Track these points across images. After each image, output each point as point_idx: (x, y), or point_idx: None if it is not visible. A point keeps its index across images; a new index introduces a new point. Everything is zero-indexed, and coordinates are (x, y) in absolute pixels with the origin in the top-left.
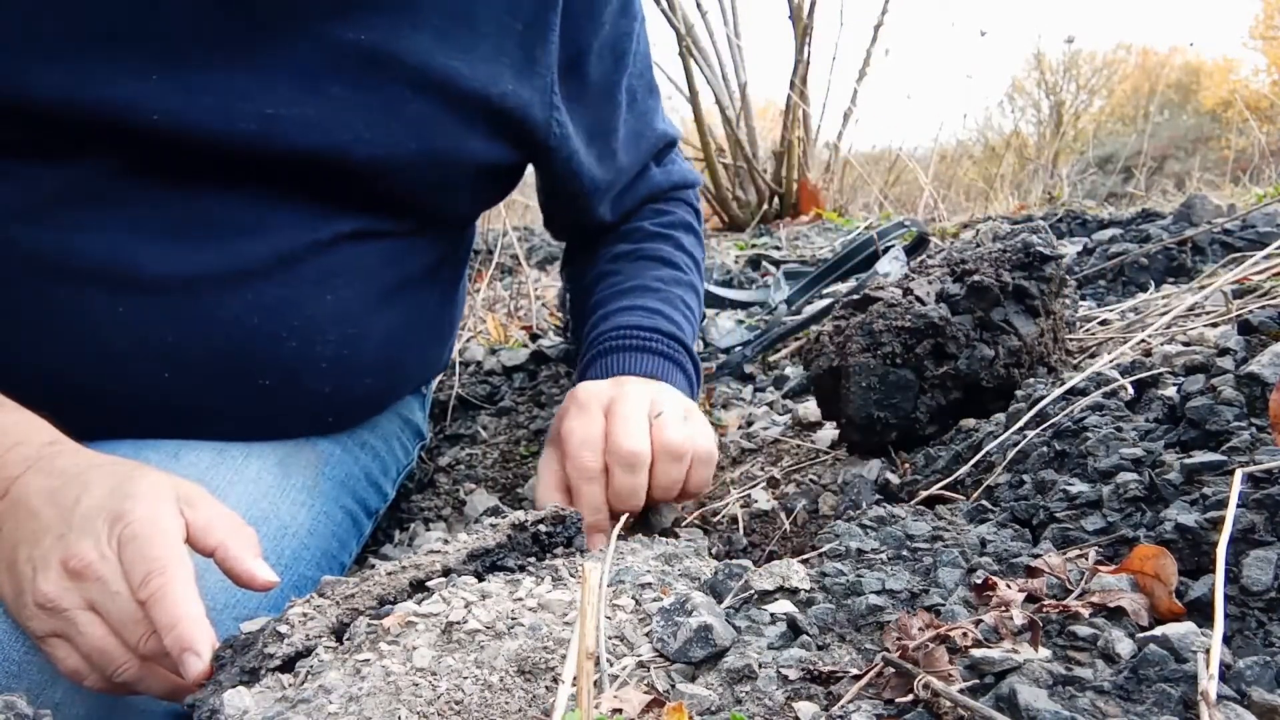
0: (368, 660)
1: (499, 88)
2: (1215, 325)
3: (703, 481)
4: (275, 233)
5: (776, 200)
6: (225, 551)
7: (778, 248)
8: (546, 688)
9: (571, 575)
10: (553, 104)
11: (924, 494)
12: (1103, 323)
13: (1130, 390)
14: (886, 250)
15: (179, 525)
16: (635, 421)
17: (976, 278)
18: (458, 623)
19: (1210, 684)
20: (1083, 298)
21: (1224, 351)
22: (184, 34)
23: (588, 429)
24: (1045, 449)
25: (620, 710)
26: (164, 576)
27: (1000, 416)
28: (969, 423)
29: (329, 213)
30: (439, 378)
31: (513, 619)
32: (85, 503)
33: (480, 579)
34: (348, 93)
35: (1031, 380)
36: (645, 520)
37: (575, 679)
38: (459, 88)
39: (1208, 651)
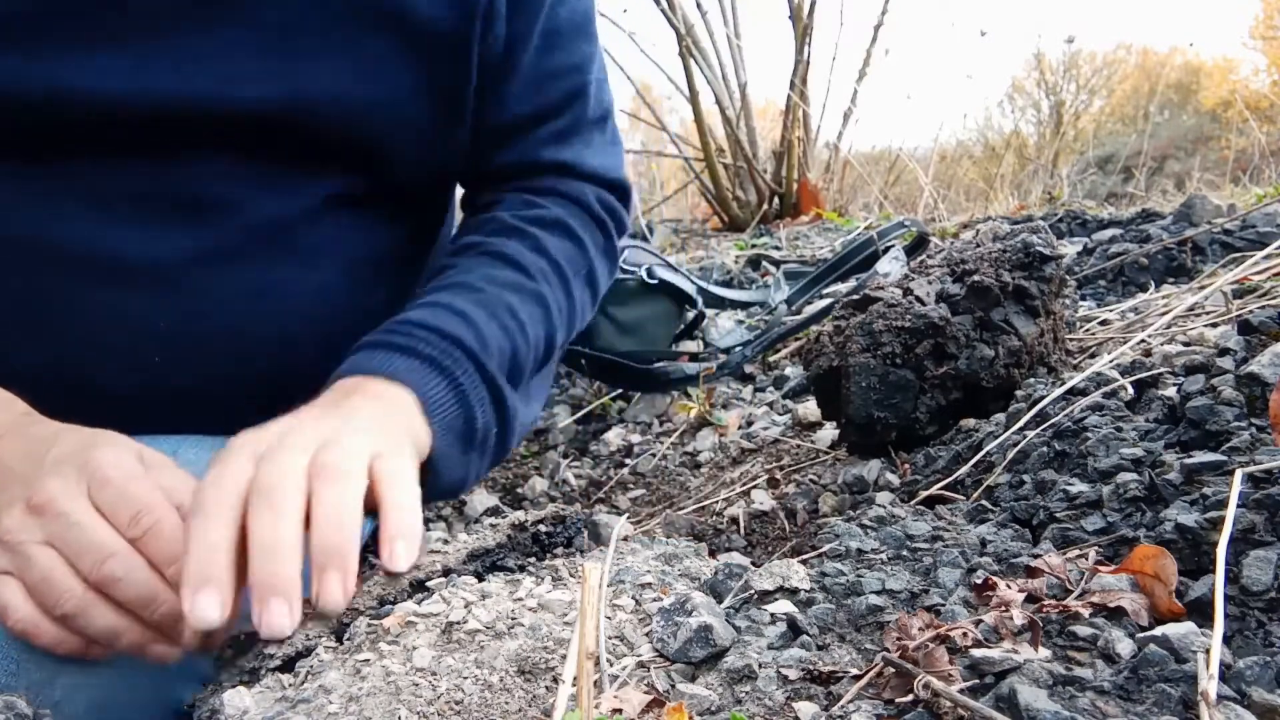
0: (368, 660)
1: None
2: (1215, 325)
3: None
4: (250, 208)
5: (776, 200)
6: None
7: (778, 248)
8: (546, 688)
9: (571, 575)
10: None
11: (924, 494)
12: (1103, 323)
13: (1130, 390)
14: (886, 250)
15: (145, 472)
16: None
17: (976, 278)
18: (458, 623)
19: (1210, 684)
20: (1083, 298)
21: (1224, 351)
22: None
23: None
24: (1045, 449)
25: (620, 710)
26: (153, 514)
27: (1000, 416)
28: (969, 423)
29: (303, 179)
30: None
31: (513, 619)
32: (54, 453)
33: (480, 579)
34: (305, 39)
35: (1031, 380)
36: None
37: (575, 679)
38: (416, 18)
39: (1208, 651)
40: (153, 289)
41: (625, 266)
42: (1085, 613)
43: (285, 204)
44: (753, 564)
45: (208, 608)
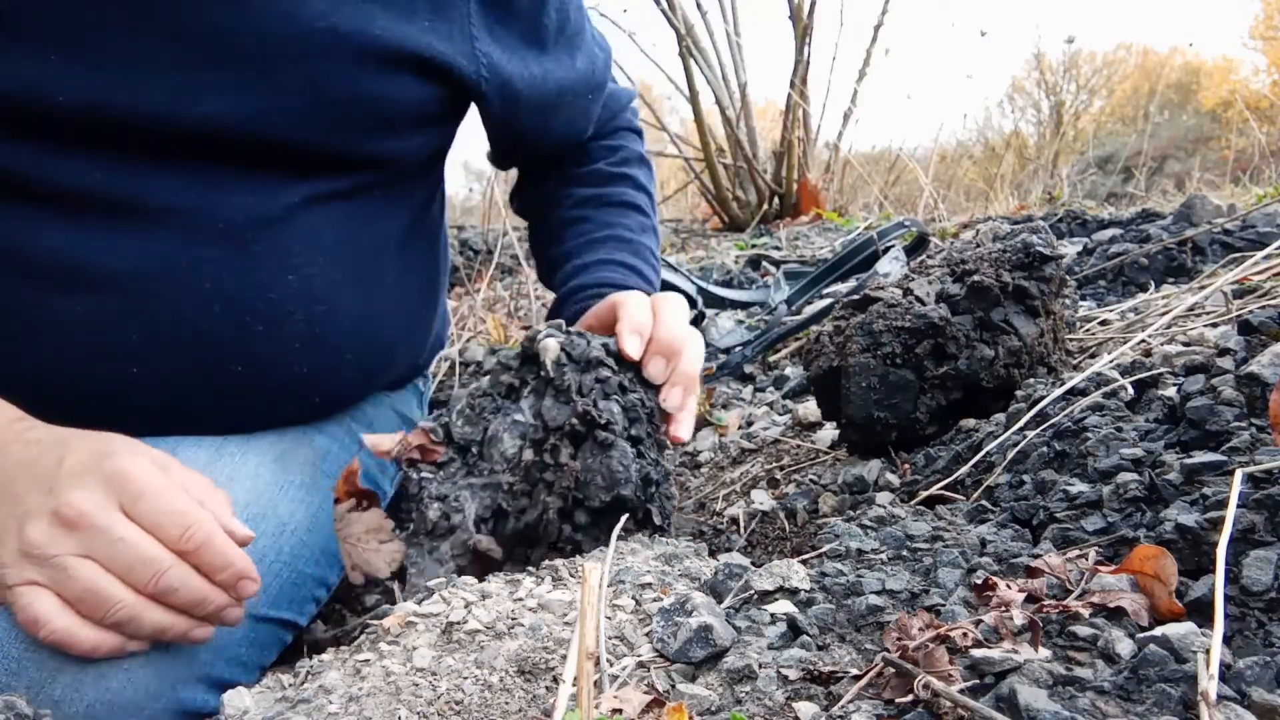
0: (368, 660)
1: (418, 42)
2: (1215, 325)
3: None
4: (214, 213)
5: (776, 200)
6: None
7: (778, 248)
8: (546, 688)
9: (571, 575)
10: (475, 50)
11: (924, 494)
12: (1103, 323)
13: (1130, 390)
14: (886, 250)
15: (168, 477)
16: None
17: (976, 278)
18: (458, 623)
19: (1210, 684)
20: (1083, 298)
21: (1224, 351)
22: (81, 10)
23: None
24: (1045, 449)
25: (620, 710)
26: (200, 529)
27: (1000, 416)
28: (969, 423)
29: (271, 183)
30: (439, 378)
31: (513, 619)
32: (70, 462)
33: (480, 579)
34: (260, 53)
35: (1031, 380)
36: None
37: (575, 679)
38: (380, 45)
39: (1208, 651)
40: (121, 299)
41: None
42: (1085, 613)
43: (257, 206)
44: (753, 564)
45: None
